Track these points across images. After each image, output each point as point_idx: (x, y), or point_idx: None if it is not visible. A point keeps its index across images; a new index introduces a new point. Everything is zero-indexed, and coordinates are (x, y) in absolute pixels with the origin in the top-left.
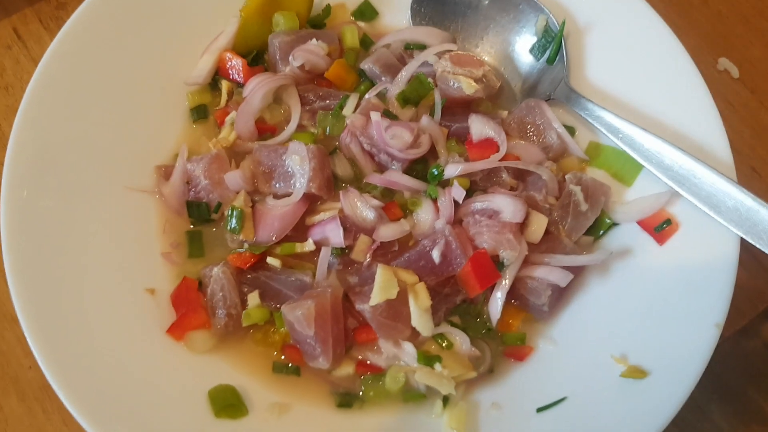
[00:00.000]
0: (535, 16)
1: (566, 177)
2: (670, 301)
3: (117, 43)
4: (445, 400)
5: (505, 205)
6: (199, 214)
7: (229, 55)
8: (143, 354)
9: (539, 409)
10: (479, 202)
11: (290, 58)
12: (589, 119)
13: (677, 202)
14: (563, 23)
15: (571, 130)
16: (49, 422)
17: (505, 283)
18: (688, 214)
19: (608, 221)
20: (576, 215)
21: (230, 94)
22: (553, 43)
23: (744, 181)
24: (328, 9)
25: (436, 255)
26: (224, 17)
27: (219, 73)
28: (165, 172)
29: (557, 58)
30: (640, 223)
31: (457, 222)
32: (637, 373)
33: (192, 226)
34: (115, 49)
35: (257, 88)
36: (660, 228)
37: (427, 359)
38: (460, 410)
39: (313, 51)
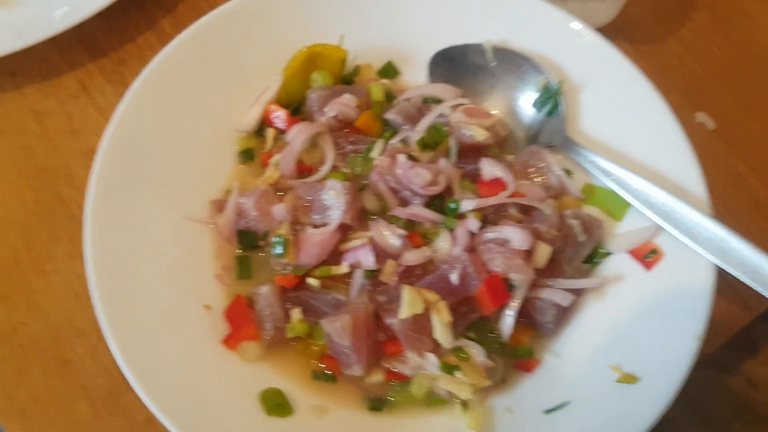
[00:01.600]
0: (536, 76)
1: (564, 213)
2: (657, 317)
3: (179, 98)
4: (464, 405)
5: (514, 234)
6: (248, 241)
7: (273, 106)
8: (204, 360)
9: (546, 411)
10: (491, 233)
11: (326, 109)
12: (583, 164)
13: (662, 235)
14: (560, 82)
15: (568, 173)
16: (115, 424)
17: (516, 302)
18: (671, 244)
19: (602, 251)
20: (575, 245)
21: (275, 140)
22: (552, 99)
23: (719, 218)
24: (357, 69)
25: (454, 278)
26: (269, 75)
27: (264, 122)
28: (218, 206)
29: (556, 112)
30: (630, 252)
31: (471, 250)
32: (630, 378)
33: (240, 251)
34: (177, 104)
35: (299, 134)
36: (648, 256)
37: (448, 368)
38: (477, 413)
39: (345, 103)
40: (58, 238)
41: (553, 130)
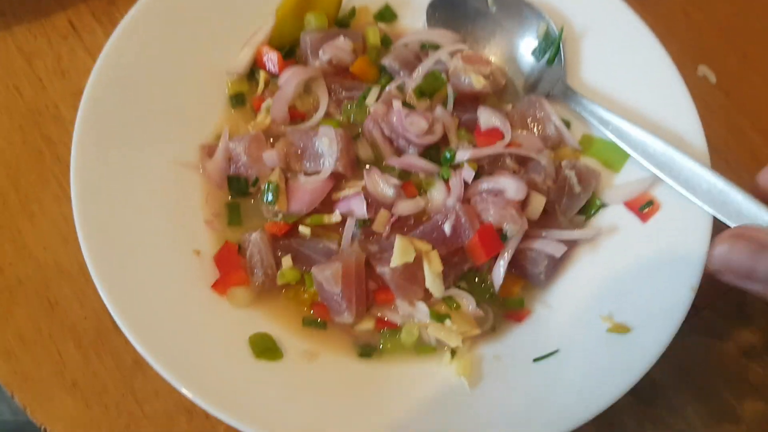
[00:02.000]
0: (537, 22)
1: (562, 163)
2: (651, 269)
3: (168, 38)
4: (453, 353)
5: (509, 184)
6: (239, 187)
7: (265, 48)
8: (193, 304)
9: (535, 359)
10: (486, 183)
11: (320, 52)
12: (583, 113)
13: (659, 186)
14: (562, 29)
15: (567, 123)
16: (103, 365)
17: (508, 253)
18: (668, 196)
19: (598, 202)
20: (570, 196)
21: (266, 84)
22: (552, 47)
23: (718, 171)
24: (353, 11)
25: (447, 228)
26: (262, 16)
27: (256, 64)
28: (208, 151)
29: (556, 60)
30: (626, 204)
31: (465, 200)
32: (621, 328)
33: (230, 198)
34: (166, 44)
35: (291, 78)
36: (643, 208)
37: (439, 317)
38: (466, 360)
39: (340, 47)
40: (45, 179)
41: (553, 79)
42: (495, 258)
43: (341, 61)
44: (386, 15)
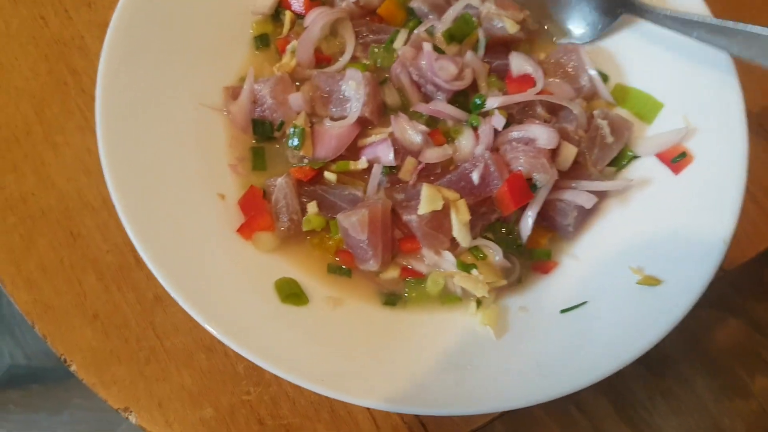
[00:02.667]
0: None
1: (594, 113)
2: (683, 220)
3: None
4: (478, 303)
5: (540, 133)
6: (263, 131)
7: None
8: (217, 245)
9: (563, 311)
10: (516, 131)
11: None
12: (658, 21)
13: (692, 138)
14: None
15: (604, 77)
16: (124, 299)
17: (537, 203)
18: (702, 148)
19: (630, 154)
20: (602, 147)
21: (292, 25)
22: None
23: (752, 137)
24: None
25: (475, 177)
26: None
27: (281, 5)
28: (233, 93)
29: None
30: (658, 155)
31: (494, 149)
32: (652, 281)
33: (254, 143)
34: None
35: (318, 19)
36: (676, 160)
37: (465, 266)
38: (492, 310)
39: None
40: (70, 110)
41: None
42: (523, 209)
43: (368, 2)
44: None
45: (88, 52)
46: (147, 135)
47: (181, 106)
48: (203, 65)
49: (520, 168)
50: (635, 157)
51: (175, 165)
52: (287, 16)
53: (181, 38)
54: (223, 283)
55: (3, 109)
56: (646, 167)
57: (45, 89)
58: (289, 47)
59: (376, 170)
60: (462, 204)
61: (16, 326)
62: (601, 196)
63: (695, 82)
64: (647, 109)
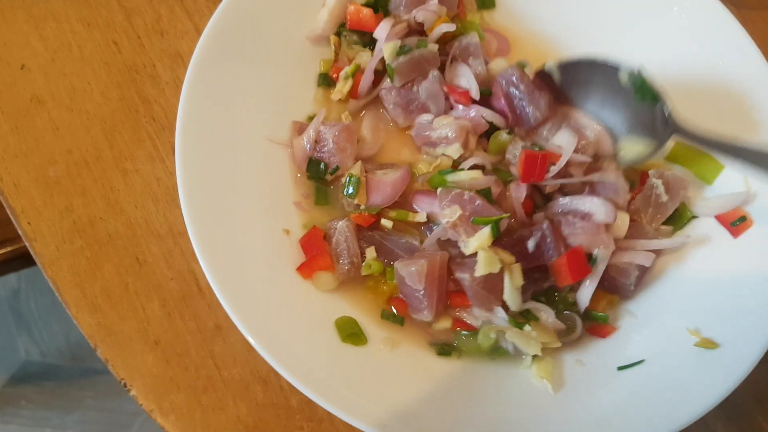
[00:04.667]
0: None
1: (650, 172)
2: (741, 286)
3: (271, 12)
4: (533, 356)
5: (596, 207)
6: (317, 171)
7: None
8: (280, 280)
9: (620, 368)
10: (570, 202)
11: (413, 12)
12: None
13: (752, 202)
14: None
15: None
16: (185, 327)
17: (596, 275)
18: (762, 213)
19: (690, 213)
20: (657, 206)
21: (337, 48)
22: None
23: None
24: None
25: (531, 245)
26: None
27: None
28: (299, 128)
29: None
30: (717, 217)
31: (549, 219)
32: (709, 344)
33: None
34: (269, 18)
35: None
36: (735, 223)
37: (517, 323)
38: (547, 363)
39: (434, 12)
40: (140, 138)
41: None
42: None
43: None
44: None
45: (159, 80)
46: (220, 168)
47: (252, 141)
48: (275, 101)
49: (580, 244)
50: (694, 216)
51: (244, 198)
52: (331, 40)
53: (257, 74)
54: (284, 317)
55: (75, 133)
56: (705, 228)
57: (116, 115)
58: (342, 73)
59: (438, 230)
60: (517, 268)
61: (33, 324)
62: (658, 253)
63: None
64: (708, 169)
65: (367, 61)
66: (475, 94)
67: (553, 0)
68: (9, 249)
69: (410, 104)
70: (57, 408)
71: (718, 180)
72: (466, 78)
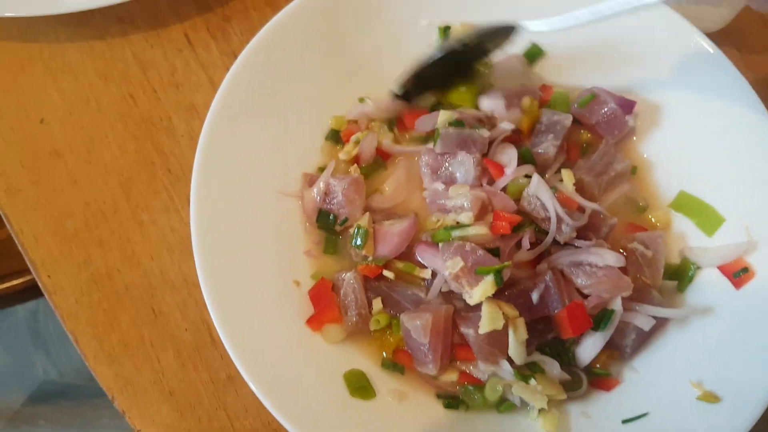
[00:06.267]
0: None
1: (628, 246)
2: (744, 338)
3: (285, 68)
4: (540, 408)
5: (608, 256)
6: (326, 223)
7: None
8: (289, 331)
9: (624, 421)
10: (584, 255)
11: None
12: None
13: (753, 253)
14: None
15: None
16: (199, 378)
17: (603, 334)
18: (765, 264)
19: (693, 266)
20: (648, 262)
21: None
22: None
23: None
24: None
25: (535, 296)
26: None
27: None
28: (309, 180)
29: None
30: (720, 268)
31: (557, 269)
32: (711, 397)
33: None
34: (283, 75)
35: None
36: (738, 274)
37: (523, 377)
38: (553, 416)
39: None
40: (156, 189)
41: None
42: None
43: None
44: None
45: (175, 132)
46: (233, 219)
47: (264, 193)
48: (287, 154)
49: (605, 294)
50: (698, 267)
51: (256, 249)
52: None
53: (270, 128)
54: (292, 369)
55: (92, 185)
56: (706, 279)
57: (132, 167)
58: (354, 137)
59: (439, 281)
60: (521, 323)
61: (52, 344)
62: (663, 322)
63: (760, 194)
64: (708, 221)
65: (384, 136)
66: (511, 172)
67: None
68: (28, 278)
69: (440, 169)
70: (74, 427)
71: (720, 230)
72: (509, 157)
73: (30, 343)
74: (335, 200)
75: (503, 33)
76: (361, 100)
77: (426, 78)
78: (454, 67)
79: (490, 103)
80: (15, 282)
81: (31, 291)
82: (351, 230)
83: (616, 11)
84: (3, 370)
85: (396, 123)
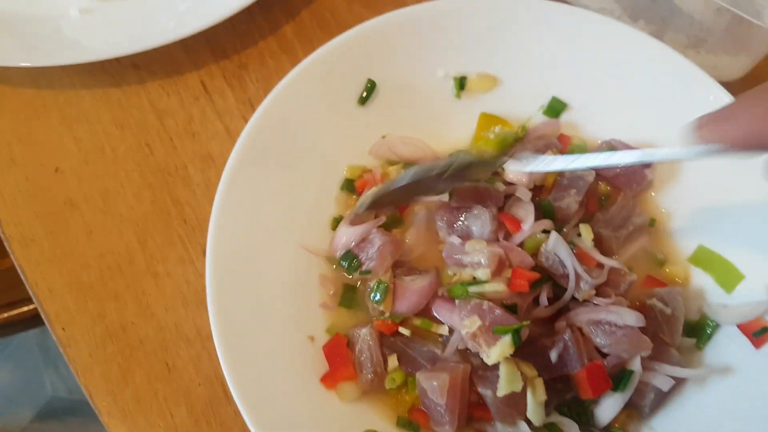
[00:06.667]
0: None
1: (647, 302)
2: (763, 398)
3: (300, 123)
4: None
5: (628, 315)
6: (350, 265)
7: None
8: (304, 390)
9: None
10: (604, 314)
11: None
12: None
13: None
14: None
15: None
16: None
17: (623, 394)
18: None
19: (710, 322)
20: (666, 320)
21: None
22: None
23: None
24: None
25: (553, 355)
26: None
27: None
28: (354, 219)
29: None
30: (739, 326)
31: (575, 327)
32: None
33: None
34: (298, 129)
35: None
36: (757, 334)
37: None
38: None
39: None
40: (171, 240)
41: None
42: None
43: None
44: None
45: (191, 182)
46: (247, 272)
47: (279, 246)
48: (304, 205)
49: (624, 354)
50: (718, 325)
51: (270, 302)
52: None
53: (287, 180)
54: (306, 429)
55: (108, 236)
56: (725, 337)
57: (148, 218)
58: (367, 190)
59: (456, 338)
60: (539, 383)
61: (60, 359)
62: (681, 381)
63: None
64: (728, 277)
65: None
66: (528, 228)
67: None
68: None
69: (455, 223)
70: None
71: (739, 287)
72: (525, 211)
73: (39, 359)
74: (370, 250)
75: (485, 165)
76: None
77: (391, 199)
78: (424, 189)
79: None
80: (25, 308)
81: (40, 318)
82: (370, 283)
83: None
84: (12, 387)
85: None
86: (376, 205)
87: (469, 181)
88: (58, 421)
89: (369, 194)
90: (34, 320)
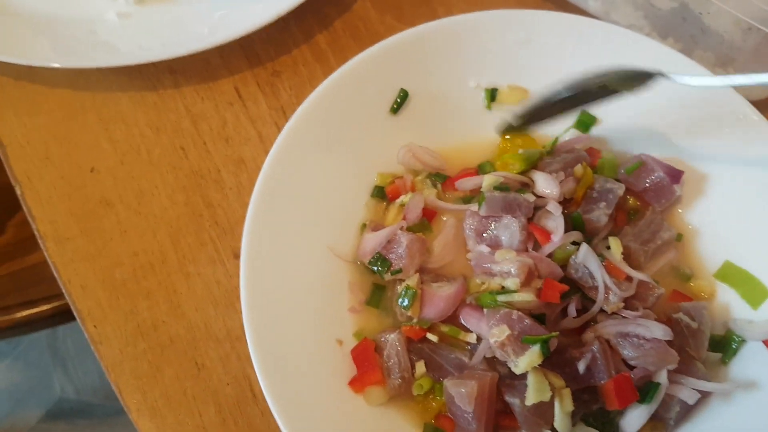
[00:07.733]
0: None
1: (673, 316)
2: None
3: (339, 126)
4: None
5: (656, 329)
6: (380, 266)
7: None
8: (332, 392)
9: None
10: (632, 327)
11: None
12: None
13: None
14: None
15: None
16: None
17: (648, 407)
18: None
19: (736, 337)
20: (693, 334)
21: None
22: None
23: None
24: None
25: (581, 367)
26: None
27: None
28: (374, 226)
29: None
30: (765, 342)
31: (603, 339)
32: None
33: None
34: (331, 136)
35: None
36: None
37: None
38: None
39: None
40: (203, 242)
41: None
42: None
43: None
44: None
45: (223, 185)
46: (280, 275)
47: (311, 250)
48: (334, 211)
49: (651, 367)
50: (743, 341)
51: (301, 305)
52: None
53: (319, 187)
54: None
55: (142, 236)
56: (751, 352)
57: (181, 219)
58: (399, 200)
59: (483, 346)
60: (567, 393)
61: (69, 361)
62: (706, 394)
63: None
64: (754, 293)
65: (429, 192)
66: (558, 239)
67: None
68: (56, 304)
69: (484, 232)
70: None
71: (765, 303)
72: (555, 223)
73: (48, 360)
74: (399, 250)
75: (643, 78)
76: None
77: (545, 112)
78: (577, 103)
79: (544, 185)
80: (44, 308)
81: (59, 317)
82: (399, 288)
83: None
84: (21, 387)
85: (443, 180)
86: (530, 119)
87: (619, 94)
88: (66, 423)
89: (524, 106)
90: (51, 320)
